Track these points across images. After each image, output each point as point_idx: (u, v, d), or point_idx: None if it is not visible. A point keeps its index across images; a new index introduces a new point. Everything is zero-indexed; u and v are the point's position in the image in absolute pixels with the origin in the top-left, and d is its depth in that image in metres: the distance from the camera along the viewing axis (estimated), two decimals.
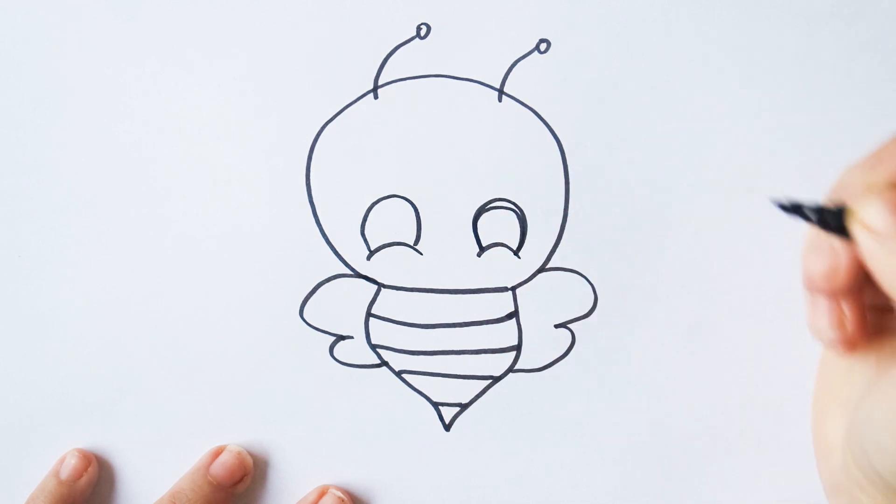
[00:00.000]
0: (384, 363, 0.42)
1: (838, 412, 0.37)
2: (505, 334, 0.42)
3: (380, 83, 0.42)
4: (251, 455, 0.42)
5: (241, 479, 0.42)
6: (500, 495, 0.42)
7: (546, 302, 0.42)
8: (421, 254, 0.42)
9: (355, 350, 0.42)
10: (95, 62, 0.42)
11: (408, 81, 0.42)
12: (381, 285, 0.42)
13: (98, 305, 0.42)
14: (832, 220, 0.32)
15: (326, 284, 0.42)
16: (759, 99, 0.41)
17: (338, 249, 0.42)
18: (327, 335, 0.42)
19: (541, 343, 0.42)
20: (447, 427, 0.42)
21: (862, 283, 0.35)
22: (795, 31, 0.41)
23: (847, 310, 0.35)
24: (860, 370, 0.36)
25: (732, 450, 0.41)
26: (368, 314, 0.42)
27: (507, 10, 0.41)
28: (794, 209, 0.33)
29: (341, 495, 0.42)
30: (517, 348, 0.42)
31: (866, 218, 0.31)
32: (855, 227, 0.31)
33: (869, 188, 0.31)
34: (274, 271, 0.42)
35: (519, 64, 0.41)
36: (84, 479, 0.42)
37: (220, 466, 0.42)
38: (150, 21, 0.42)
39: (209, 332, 0.42)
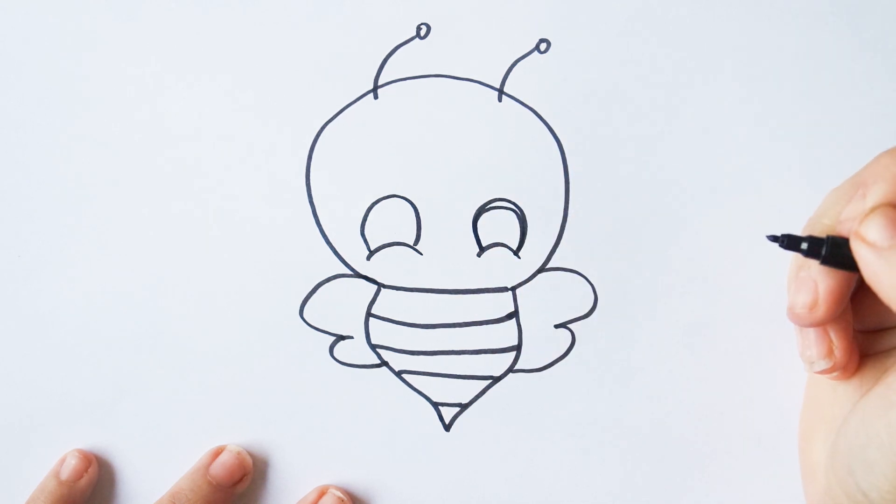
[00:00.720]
0: (384, 363, 0.42)
1: (823, 433, 0.37)
2: (505, 334, 0.42)
3: (380, 83, 0.42)
4: (251, 455, 0.42)
5: (240, 479, 0.42)
6: (500, 495, 0.42)
7: (546, 302, 0.42)
8: (421, 254, 0.42)
9: (355, 350, 0.42)
10: (95, 62, 0.42)
11: (408, 81, 0.42)
12: (381, 285, 0.42)
13: (98, 305, 0.42)
14: (827, 250, 0.33)
15: (326, 284, 0.42)
16: (760, 99, 0.41)
17: (338, 249, 0.42)
18: (327, 335, 0.42)
19: (541, 343, 0.42)
20: (447, 427, 0.42)
21: (846, 311, 0.35)
22: (795, 31, 0.41)
23: (835, 338, 0.35)
24: (844, 391, 0.37)
25: (732, 450, 0.41)
26: (368, 314, 0.42)
27: (507, 10, 0.41)
28: (791, 243, 0.34)
29: (341, 495, 0.42)
30: (517, 348, 0.42)
31: (867, 234, 0.31)
32: (855, 245, 0.32)
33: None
34: (274, 271, 0.42)
35: (519, 64, 0.41)
36: (84, 480, 0.42)
37: (220, 466, 0.42)
38: (150, 21, 0.42)
39: (209, 333, 0.42)
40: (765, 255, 0.40)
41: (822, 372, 0.36)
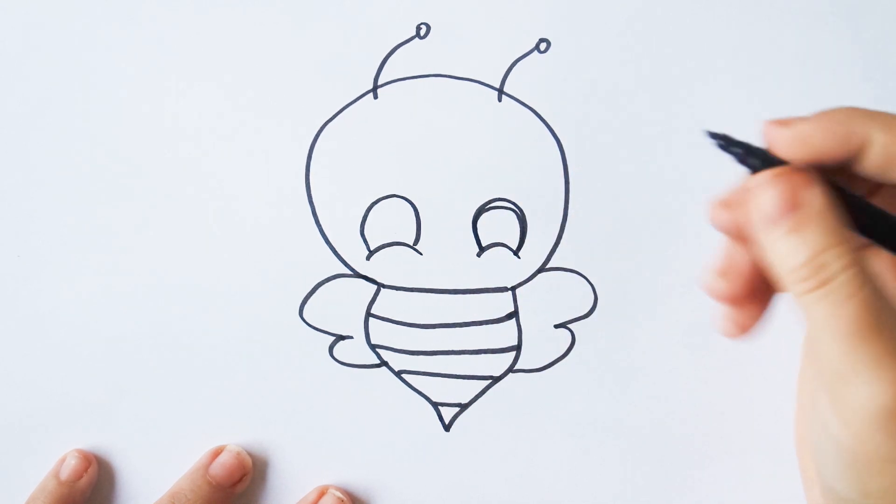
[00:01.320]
0: (384, 363, 0.42)
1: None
2: (505, 334, 0.42)
3: (379, 83, 0.42)
4: (251, 455, 0.42)
5: (240, 480, 0.42)
6: (500, 495, 0.42)
7: (546, 302, 0.42)
8: (421, 254, 0.42)
9: (355, 350, 0.42)
10: (96, 62, 0.42)
11: (408, 81, 0.42)
12: (380, 285, 0.42)
13: (98, 305, 0.42)
14: (754, 161, 0.31)
15: (326, 284, 0.42)
16: (760, 99, 0.41)
17: (337, 249, 0.42)
18: (327, 335, 0.42)
19: (541, 343, 0.42)
20: (447, 427, 0.42)
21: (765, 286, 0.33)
22: (795, 31, 0.41)
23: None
24: None
25: (732, 450, 0.41)
26: (368, 314, 0.42)
27: (507, 10, 0.41)
28: (725, 143, 0.31)
29: (341, 495, 0.42)
30: (517, 348, 0.42)
31: (760, 195, 0.29)
32: (751, 207, 0.30)
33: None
34: (274, 271, 0.42)
35: (519, 64, 0.41)
36: (84, 480, 0.42)
37: (220, 466, 0.42)
38: (151, 21, 0.42)
39: (209, 333, 0.42)
40: None
41: (714, 295, 0.33)
